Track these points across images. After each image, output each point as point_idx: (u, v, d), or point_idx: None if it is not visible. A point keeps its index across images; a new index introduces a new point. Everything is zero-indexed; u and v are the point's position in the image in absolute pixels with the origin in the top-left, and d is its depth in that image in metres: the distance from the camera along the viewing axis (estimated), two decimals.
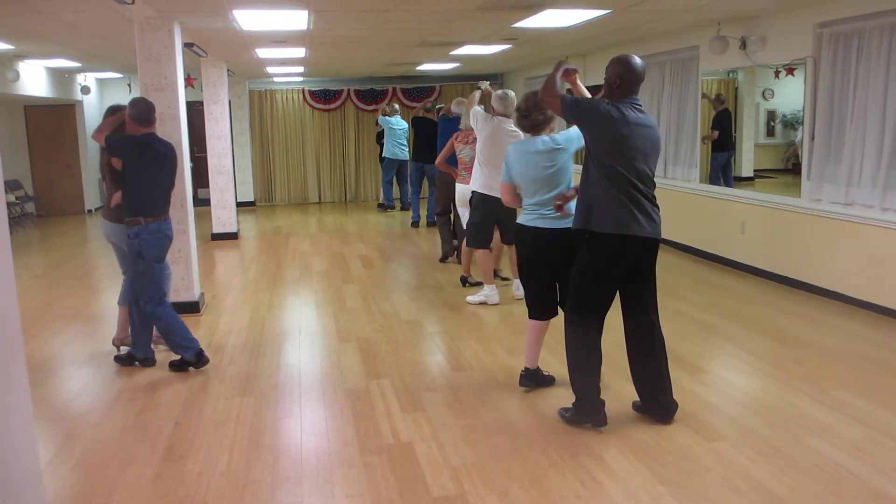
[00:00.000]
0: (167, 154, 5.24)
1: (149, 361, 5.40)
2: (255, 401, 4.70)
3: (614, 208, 3.90)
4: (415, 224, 12.14)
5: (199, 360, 5.28)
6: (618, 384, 4.75)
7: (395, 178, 13.63)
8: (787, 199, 7.35)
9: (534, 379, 4.77)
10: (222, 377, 5.15)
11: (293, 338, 6.07)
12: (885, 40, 6.09)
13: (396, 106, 13.57)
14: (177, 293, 6.70)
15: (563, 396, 4.59)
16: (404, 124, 13.14)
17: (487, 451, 3.91)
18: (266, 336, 6.11)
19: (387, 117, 13.17)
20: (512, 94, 7.03)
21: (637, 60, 3.94)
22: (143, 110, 5.14)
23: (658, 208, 4.00)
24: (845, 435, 4.01)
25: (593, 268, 4.04)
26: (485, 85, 7.62)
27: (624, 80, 3.92)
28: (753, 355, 5.34)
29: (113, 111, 5.37)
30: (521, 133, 6.81)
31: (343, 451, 3.95)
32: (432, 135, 11.68)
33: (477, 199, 6.89)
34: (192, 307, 6.77)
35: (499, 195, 6.92)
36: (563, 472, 3.67)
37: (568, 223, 4.35)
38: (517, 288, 7.14)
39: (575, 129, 4.47)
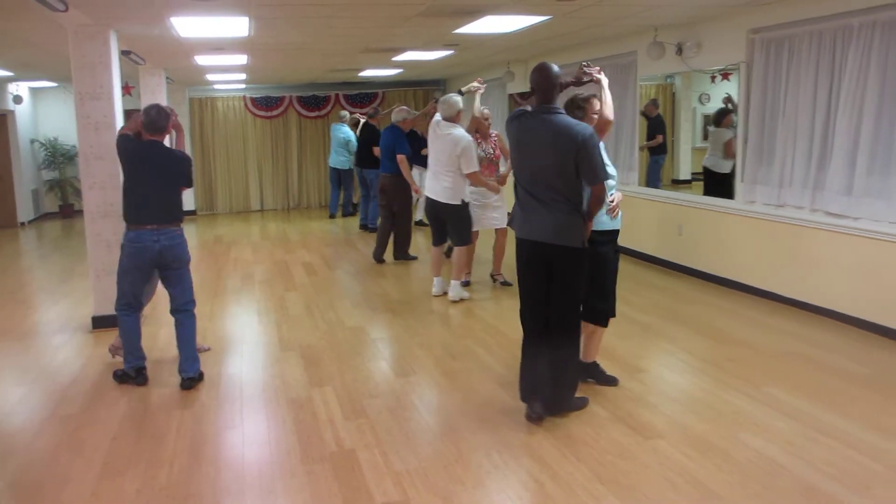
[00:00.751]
0: (163, 165, 5.02)
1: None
2: (196, 412, 4.65)
3: (514, 211, 4.37)
4: (362, 228, 12.15)
5: (138, 376, 5.20)
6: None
7: (339, 185, 13.65)
8: (722, 201, 7.55)
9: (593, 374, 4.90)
10: (162, 389, 5.08)
11: (235, 348, 6.02)
12: (814, 46, 6.31)
13: (344, 113, 13.56)
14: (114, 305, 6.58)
15: (508, 402, 4.65)
16: (342, 133, 13.14)
17: (431, 456, 3.94)
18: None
19: (335, 124, 13.26)
20: (454, 97, 7.15)
21: (546, 69, 4.13)
22: (152, 118, 5.04)
23: (567, 215, 4.11)
24: (778, 430, 4.14)
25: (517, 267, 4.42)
26: (466, 88, 7.69)
27: (535, 88, 4.18)
28: (690, 354, 5.47)
29: (143, 113, 5.18)
30: (459, 134, 6.95)
31: (286, 460, 3.94)
32: (372, 141, 11.77)
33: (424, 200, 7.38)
34: None
35: (436, 197, 7.15)
36: (506, 473, 3.73)
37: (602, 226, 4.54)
38: (453, 290, 7.23)
39: None
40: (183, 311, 5.19)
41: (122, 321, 5.22)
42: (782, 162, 6.71)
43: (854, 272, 6.03)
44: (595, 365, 4.91)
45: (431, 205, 7.31)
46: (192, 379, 5.11)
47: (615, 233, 4.63)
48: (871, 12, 5.76)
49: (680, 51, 7.89)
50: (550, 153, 4.07)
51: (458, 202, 7.15)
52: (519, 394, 4.46)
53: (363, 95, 15.74)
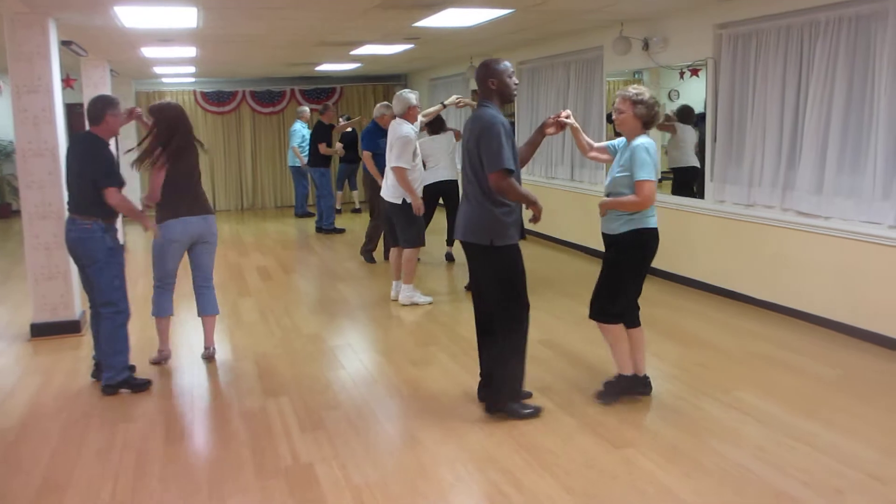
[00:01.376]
0: (76, 156, 5.06)
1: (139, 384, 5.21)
2: (143, 426, 4.56)
3: None
4: (318, 230, 12.07)
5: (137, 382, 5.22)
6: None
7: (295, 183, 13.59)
8: (692, 200, 7.63)
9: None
10: (106, 402, 4.98)
11: (185, 356, 5.92)
12: (782, 42, 6.41)
13: (303, 108, 13.45)
14: (55, 311, 6.46)
15: (473, 411, 4.64)
16: (294, 130, 13.06)
17: (392, 469, 3.91)
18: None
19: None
20: (406, 93, 7.12)
21: (482, 66, 4.40)
22: (89, 108, 5.09)
23: (477, 209, 4.31)
24: (749, 436, 4.19)
25: None
26: (451, 99, 7.70)
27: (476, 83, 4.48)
28: (659, 358, 5.51)
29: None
30: (412, 134, 6.92)
31: (238, 475, 3.88)
32: (323, 139, 11.71)
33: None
34: (73, 327, 6.52)
35: (383, 194, 7.15)
36: (470, 486, 3.71)
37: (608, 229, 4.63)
38: (403, 293, 7.19)
39: (641, 156, 4.43)
40: (95, 312, 5.17)
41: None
42: (752, 161, 6.80)
43: (824, 273, 6.13)
44: (644, 379, 4.80)
45: (383, 203, 7.39)
46: (109, 386, 5.08)
47: (615, 237, 4.58)
48: (838, 7, 5.87)
49: (647, 46, 7.96)
50: (470, 144, 4.31)
51: (400, 201, 7.07)
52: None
53: (320, 91, 15.64)
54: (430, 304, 7.21)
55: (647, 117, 4.46)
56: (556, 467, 3.86)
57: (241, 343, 6.20)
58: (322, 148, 11.93)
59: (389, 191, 7.15)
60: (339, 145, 12.80)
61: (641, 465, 3.88)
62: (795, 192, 6.37)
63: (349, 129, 13.02)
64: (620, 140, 4.69)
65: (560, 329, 6.37)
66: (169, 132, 5.28)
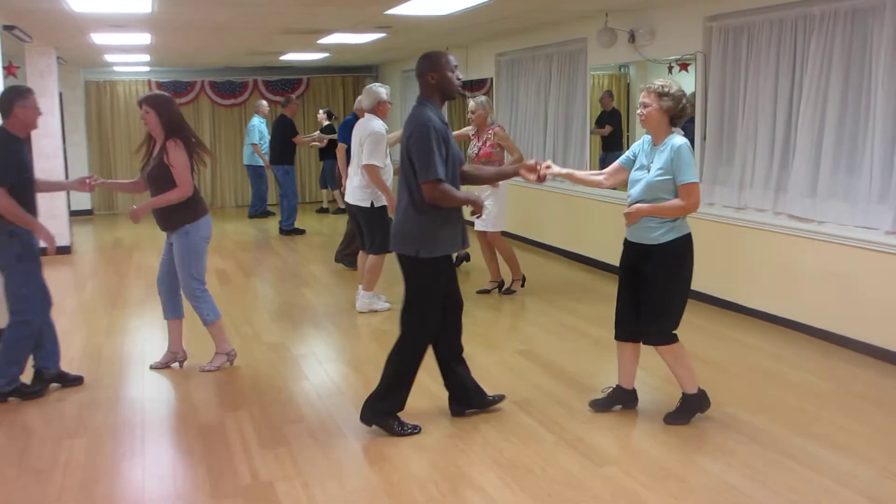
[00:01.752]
0: None
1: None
2: (89, 442, 4.50)
3: None
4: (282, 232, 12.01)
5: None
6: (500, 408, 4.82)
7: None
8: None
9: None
10: (49, 416, 4.91)
11: (136, 367, 5.87)
12: (774, 36, 6.46)
13: (261, 102, 13.39)
14: None
15: (445, 426, 4.62)
16: (251, 125, 13.02)
17: (358, 488, 3.89)
18: (103, 366, 5.88)
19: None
20: (375, 86, 7.08)
21: (421, 59, 4.40)
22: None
23: (406, 218, 4.33)
24: (738, 454, 4.20)
25: None
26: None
27: None
28: (646, 371, 5.51)
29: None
30: (383, 130, 6.88)
31: (192, 495, 3.85)
32: (286, 134, 11.65)
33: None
34: None
35: (347, 196, 7.10)
36: None
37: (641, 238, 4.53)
38: (363, 300, 7.15)
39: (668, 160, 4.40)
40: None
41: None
42: (743, 161, 6.85)
43: (818, 281, 6.17)
44: (698, 397, 4.63)
45: (347, 206, 7.34)
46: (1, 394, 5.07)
47: (657, 247, 4.48)
48: (833, 1, 5.92)
49: (633, 38, 8.00)
50: (404, 146, 4.31)
51: (368, 204, 6.98)
52: None
53: (285, 82, 15.58)
54: (389, 310, 7.10)
55: (675, 111, 4.36)
56: (536, 487, 3.85)
57: (198, 352, 6.13)
58: (298, 139, 11.90)
59: (355, 193, 7.06)
60: (317, 133, 12.77)
61: (625, 484, 3.88)
62: (788, 194, 6.43)
63: (322, 127, 13.02)
64: (637, 146, 4.59)
65: (539, 339, 6.37)
66: (179, 122, 5.45)
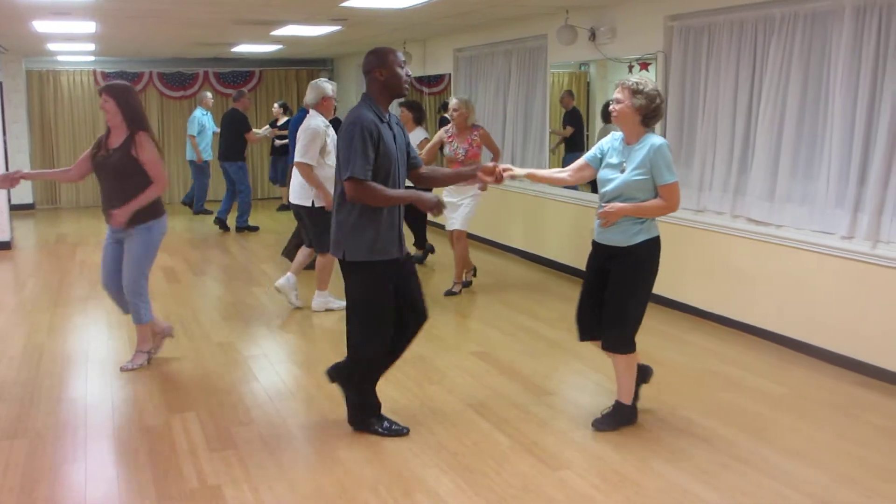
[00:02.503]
0: None
1: None
2: (29, 444, 4.45)
3: None
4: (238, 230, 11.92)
5: None
6: (459, 413, 4.85)
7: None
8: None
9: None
10: None
11: (78, 367, 5.81)
12: (735, 37, 6.59)
13: (205, 94, 13.28)
14: None
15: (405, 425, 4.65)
16: (192, 117, 12.96)
17: (309, 492, 3.90)
18: (44, 366, 5.81)
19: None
20: (320, 82, 7.08)
21: (367, 55, 4.39)
22: None
23: (342, 220, 4.36)
24: (693, 457, 4.29)
25: None
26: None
27: None
28: (602, 374, 5.60)
29: None
30: (321, 127, 6.83)
31: (136, 499, 3.83)
32: (238, 129, 11.58)
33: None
34: None
35: (290, 195, 7.08)
36: None
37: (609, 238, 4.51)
38: (318, 300, 7.18)
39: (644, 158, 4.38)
40: None
41: None
42: (702, 163, 6.97)
43: (775, 285, 6.30)
44: (631, 409, 4.69)
45: (291, 205, 7.33)
46: None
47: (626, 249, 4.45)
48: (793, 3, 6.05)
49: (593, 36, 8.10)
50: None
51: (310, 203, 6.91)
52: None
53: (237, 74, 15.49)
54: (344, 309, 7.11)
55: (647, 110, 4.30)
56: (489, 491, 3.90)
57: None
58: (250, 136, 11.83)
59: (297, 192, 6.99)
60: (266, 128, 12.74)
61: (579, 488, 3.94)
62: (747, 197, 6.55)
63: (271, 127, 12.98)
64: (606, 142, 4.55)
65: (496, 340, 6.42)
66: (140, 113, 5.50)
